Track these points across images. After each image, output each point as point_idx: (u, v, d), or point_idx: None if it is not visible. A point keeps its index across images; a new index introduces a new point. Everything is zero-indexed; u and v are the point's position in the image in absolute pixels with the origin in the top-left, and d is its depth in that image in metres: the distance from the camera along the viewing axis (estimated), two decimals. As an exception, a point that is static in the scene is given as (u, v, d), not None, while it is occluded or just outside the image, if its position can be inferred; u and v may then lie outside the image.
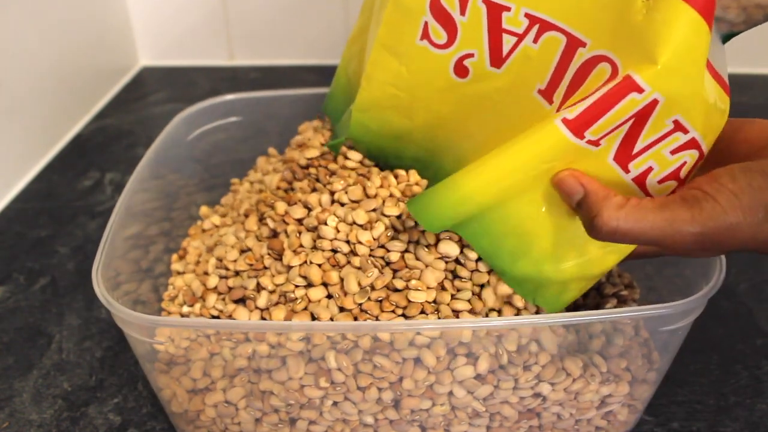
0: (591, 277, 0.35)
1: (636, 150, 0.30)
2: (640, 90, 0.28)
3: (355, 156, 0.42)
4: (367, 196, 0.39)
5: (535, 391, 0.35)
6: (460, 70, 0.36)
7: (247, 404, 0.36)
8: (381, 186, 0.39)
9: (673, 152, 0.30)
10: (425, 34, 0.35)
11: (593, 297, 0.40)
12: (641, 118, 0.29)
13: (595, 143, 0.30)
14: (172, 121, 0.51)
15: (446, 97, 0.37)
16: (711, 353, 0.45)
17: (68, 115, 0.75)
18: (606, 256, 0.33)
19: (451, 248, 0.35)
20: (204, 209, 0.49)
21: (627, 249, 0.34)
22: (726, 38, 0.31)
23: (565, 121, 0.29)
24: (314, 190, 0.41)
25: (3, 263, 0.55)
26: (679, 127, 0.29)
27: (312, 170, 0.42)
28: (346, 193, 0.39)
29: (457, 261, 0.36)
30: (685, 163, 0.31)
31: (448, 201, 0.33)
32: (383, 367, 0.33)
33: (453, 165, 0.38)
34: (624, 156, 0.30)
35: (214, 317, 0.38)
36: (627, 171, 0.31)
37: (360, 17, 0.45)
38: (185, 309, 0.40)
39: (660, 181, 0.31)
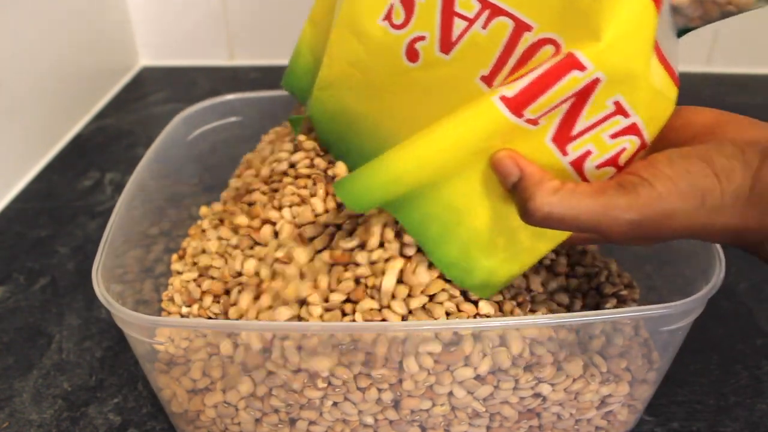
0: (521, 265, 0.34)
1: (575, 132, 0.30)
2: (582, 67, 0.27)
3: (309, 145, 0.42)
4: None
5: (535, 391, 0.35)
6: (412, 53, 0.34)
7: (247, 404, 0.36)
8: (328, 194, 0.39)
9: (612, 136, 0.30)
10: (388, 15, 0.35)
11: (593, 297, 0.40)
12: (582, 96, 0.28)
13: (534, 122, 0.29)
14: (172, 121, 0.51)
15: (397, 83, 0.36)
16: (711, 353, 0.45)
17: (68, 115, 0.75)
18: (537, 245, 0.33)
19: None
20: (203, 209, 0.49)
21: (560, 237, 0.33)
22: (681, 32, 0.31)
23: (503, 99, 0.29)
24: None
25: (3, 263, 0.55)
26: (620, 109, 0.29)
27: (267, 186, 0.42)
28: (294, 215, 0.39)
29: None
30: (624, 149, 0.30)
31: (378, 180, 0.31)
32: (383, 375, 0.33)
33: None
34: (562, 137, 0.30)
35: (211, 317, 0.38)
36: (565, 153, 0.30)
37: None
38: (184, 309, 0.40)
39: (598, 166, 0.30)
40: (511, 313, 0.36)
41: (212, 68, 0.92)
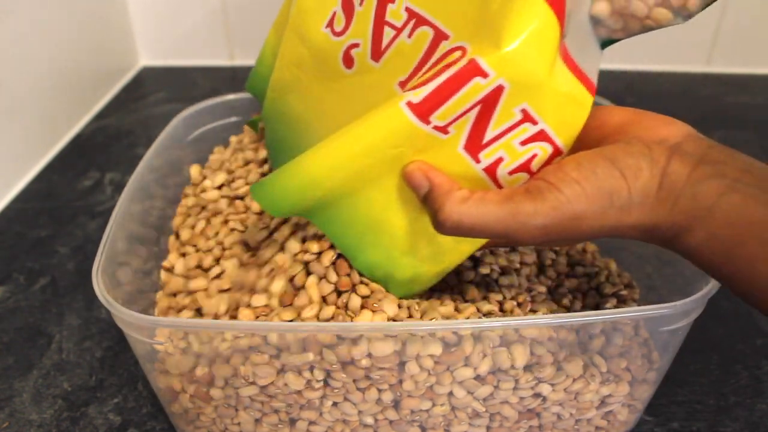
0: (446, 265, 0.35)
1: (486, 139, 0.30)
2: (485, 74, 0.28)
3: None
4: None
5: (535, 391, 0.35)
6: (347, 60, 0.35)
7: (247, 405, 0.36)
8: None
9: (522, 143, 0.30)
10: (330, 23, 0.35)
11: (593, 297, 0.40)
12: (488, 104, 0.29)
13: (443, 130, 0.30)
14: (172, 121, 0.51)
15: (333, 88, 0.36)
16: (711, 353, 0.45)
17: (68, 115, 0.75)
18: (459, 246, 0.34)
19: None
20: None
21: (480, 240, 0.33)
22: (606, 43, 0.31)
23: (410, 104, 0.29)
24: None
25: (3, 263, 0.55)
26: (527, 117, 0.29)
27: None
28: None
29: None
30: (535, 155, 0.30)
31: (293, 184, 0.32)
32: (383, 376, 0.33)
33: None
34: (474, 145, 0.30)
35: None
36: (478, 161, 0.31)
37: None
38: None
39: (510, 173, 0.31)
40: (511, 312, 0.36)
41: (212, 68, 0.92)
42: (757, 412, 0.41)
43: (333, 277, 0.35)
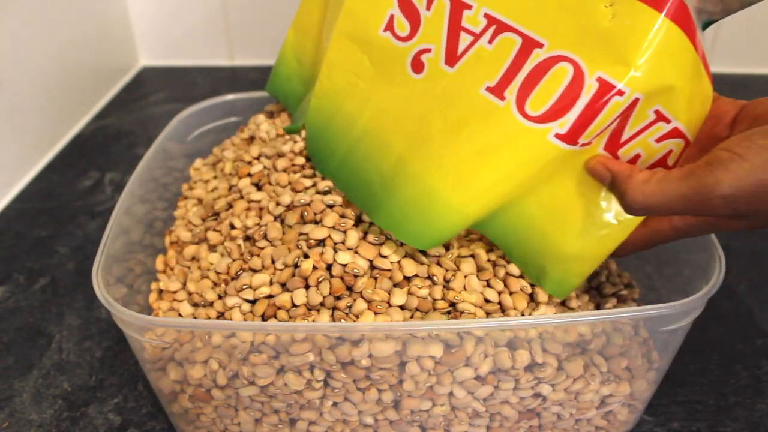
0: (591, 265, 0.35)
1: (623, 139, 0.32)
2: (621, 93, 0.30)
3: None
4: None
5: (536, 391, 0.35)
6: (417, 65, 0.35)
7: (247, 405, 0.36)
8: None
9: (658, 140, 0.32)
10: (389, 26, 0.36)
11: (593, 297, 0.40)
12: (625, 114, 0.31)
13: (588, 144, 0.31)
14: (172, 121, 0.51)
15: (400, 94, 0.36)
16: (711, 353, 0.45)
17: (68, 115, 0.75)
18: (604, 244, 0.34)
19: None
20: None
21: (625, 232, 0.34)
22: (706, 25, 0.32)
23: (558, 136, 0.31)
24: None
25: (3, 263, 0.55)
26: (660, 117, 0.31)
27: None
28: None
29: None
30: (671, 151, 0.32)
31: (445, 224, 0.34)
32: (383, 376, 0.33)
33: (373, 168, 0.38)
34: (613, 145, 0.32)
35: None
36: (617, 158, 0.32)
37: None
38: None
39: (649, 168, 0.32)
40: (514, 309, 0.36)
41: (212, 68, 0.92)
42: (757, 412, 0.41)
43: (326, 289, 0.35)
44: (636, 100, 0.30)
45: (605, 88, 0.30)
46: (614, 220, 0.33)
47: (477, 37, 0.33)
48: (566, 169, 0.33)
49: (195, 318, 0.38)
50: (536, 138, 0.31)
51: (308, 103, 0.42)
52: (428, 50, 0.35)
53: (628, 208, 0.30)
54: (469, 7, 0.33)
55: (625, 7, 0.29)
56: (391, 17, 0.35)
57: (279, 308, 0.35)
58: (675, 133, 0.32)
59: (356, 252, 0.36)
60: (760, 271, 0.52)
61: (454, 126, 0.34)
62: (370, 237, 0.36)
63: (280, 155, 0.44)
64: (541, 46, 0.31)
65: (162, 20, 0.89)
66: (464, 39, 0.34)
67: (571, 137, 0.31)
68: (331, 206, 0.38)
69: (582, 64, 0.30)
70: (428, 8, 0.34)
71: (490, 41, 0.33)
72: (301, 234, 0.37)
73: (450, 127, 0.34)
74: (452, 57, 0.34)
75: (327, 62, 0.39)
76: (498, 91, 0.33)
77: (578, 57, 0.30)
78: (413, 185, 0.35)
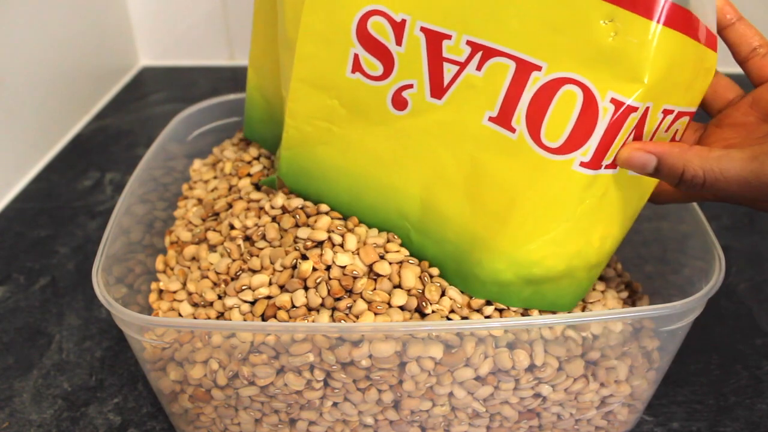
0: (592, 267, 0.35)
1: None
2: (635, 109, 0.29)
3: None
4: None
5: (536, 391, 0.35)
6: (399, 102, 0.34)
7: (247, 405, 0.36)
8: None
9: (666, 129, 0.32)
10: (357, 67, 0.34)
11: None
12: (640, 124, 0.31)
13: (612, 166, 0.32)
14: (172, 121, 0.51)
15: (383, 133, 0.35)
16: (711, 353, 0.45)
17: (68, 115, 0.75)
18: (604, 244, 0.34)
19: None
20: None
21: (622, 233, 0.34)
22: None
23: (583, 164, 0.31)
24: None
25: (3, 263, 0.55)
26: (668, 112, 0.31)
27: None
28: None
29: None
30: (677, 130, 0.33)
31: (507, 277, 0.34)
32: (383, 377, 0.33)
33: (385, 210, 0.37)
34: None
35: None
36: None
37: (255, 20, 0.43)
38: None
39: None
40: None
41: (212, 68, 0.92)
42: (757, 412, 0.41)
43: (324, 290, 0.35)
44: (647, 110, 0.30)
45: (620, 108, 0.29)
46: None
47: (463, 66, 0.32)
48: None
49: (195, 318, 0.37)
50: (562, 170, 0.31)
51: (279, 154, 0.40)
52: (410, 86, 0.33)
53: (689, 183, 0.29)
54: (448, 37, 0.32)
55: (623, 23, 0.29)
56: (356, 57, 0.34)
57: (279, 308, 0.35)
58: (679, 116, 0.32)
59: (356, 254, 0.36)
60: (760, 271, 0.52)
61: (470, 164, 0.33)
62: (370, 240, 0.36)
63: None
64: (539, 68, 0.30)
65: (162, 20, 0.89)
66: (449, 69, 0.32)
67: (595, 163, 0.31)
68: (326, 212, 0.39)
69: (590, 85, 0.30)
70: (399, 44, 0.33)
71: (479, 68, 0.32)
72: (297, 237, 0.37)
73: (466, 167, 0.33)
74: (438, 89, 0.33)
75: (289, 113, 0.37)
76: (503, 121, 0.32)
77: (584, 78, 0.30)
78: (452, 231, 0.35)
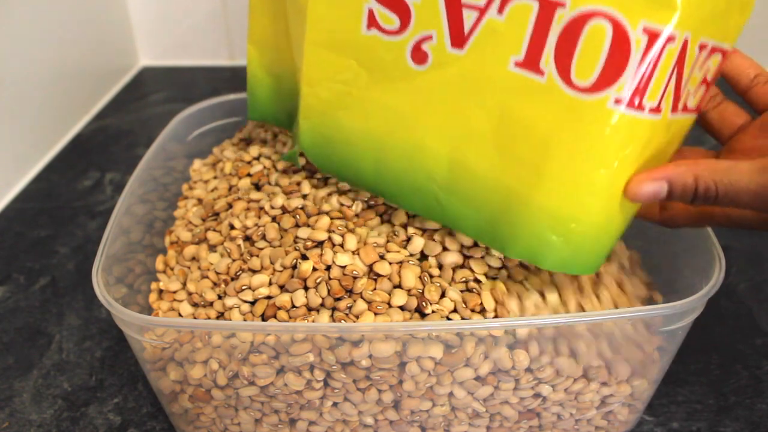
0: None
1: (682, 90, 0.30)
2: (673, 39, 0.28)
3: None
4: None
5: (536, 391, 0.35)
6: (419, 56, 0.32)
7: (247, 405, 0.36)
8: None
9: (700, 68, 0.30)
10: (372, 22, 0.33)
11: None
12: (680, 61, 0.29)
13: (657, 110, 0.29)
14: (172, 121, 0.51)
15: (404, 90, 0.33)
16: (711, 353, 0.45)
17: (68, 115, 0.75)
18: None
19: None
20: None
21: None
22: None
23: (619, 102, 0.28)
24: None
25: (3, 263, 0.55)
26: (703, 47, 0.29)
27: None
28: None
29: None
30: (709, 68, 0.31)
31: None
32: (383, 377, 0.33)
33: (412, 172, 0.35)
34: (675, 103, 0.30)
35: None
36: (675, 110, 0.30)
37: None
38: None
39: (693, 94, 0.31)
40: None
41: (212, 68, 0.92)
42: (757, 412, 0.41)
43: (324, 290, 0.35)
44: (686, 42, 0.28)
45: (655, 38, 0.27)
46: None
47: (483, 10, 0.30)
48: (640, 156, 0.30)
49: (195, 318, 0.38)
50: (596, 110, 0.29)
51: (298, 126, 0.39)
52: (429, 37, 0.32)
53: (704, 197, 0.29)
54: None
55: None
56: (370, 12, 0.32)
57: (279, 308, 0.35)
58: (713, 51, 0.30)
59: (356, 254, 0.36)
60: (760, 271, 0.52)
61: (498, 115, 0.31)
62: (371, 240, 0.36)
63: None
64: (562, 5, 0.29)
65: (162, 20, 0.89)
66: (468, 16, 0.31)
67: (632, 102, 0.28)
68: (327, 212, 0.39)
69: (619, 17, 0.28)
70: None
71: (500, 11, 0.30)
72: (297, 237, 0.37)
73: (494, 118, 0.31)
74: (459, 38, 0.31)
75: (306, 79, 0.36)
76: (531, 64, 0.30)
77: (612, 9, 0.28)
78: (483, 188, 0.32)
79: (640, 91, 0.28)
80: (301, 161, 0.41)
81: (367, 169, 0.37)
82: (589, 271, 0.32)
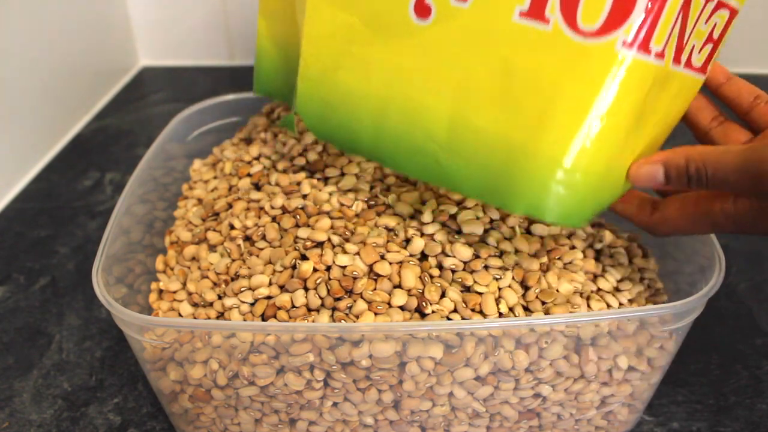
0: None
1: (685, 41, 0.30)
2: None
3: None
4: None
5: (536, 391, 0.35)
6: (422, 9, 0.32)
7: (247, 405, 0.36)
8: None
9: (706, 21, 0.30)
10: None
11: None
12: (685, 9, 0.28)
13: (661, 55, 0.29)
14: (171, 121, 0.51)
15: (407, 46, 0.33)
16: (711, 353, 0.45)
17: (68, 115, 0.75)
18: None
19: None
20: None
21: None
22: None
23: (627, 44, 0.28)
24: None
25: (3, 263, 0.55)
26: None
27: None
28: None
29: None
30: (715, 24, 0.31)
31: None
32: (383, 377, 0.33)
33: (412, 133, 0.34)
34: (679, 51, 0.30)
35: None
36: (678, 62, 0.30)
37: None
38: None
39: (699, 51, 0.31)
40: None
41: (212, 68, 0.92)
42: (757, 412, 0.41)
43: (323, 291, 0.35)
44: None
45: None
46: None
47: None
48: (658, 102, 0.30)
49: (195, 318, 0.38)
50: (604, 53, 0.28)
51: (296, 90, 0.38)
52: None
53: (695, 178, 0.29)
54: None
55: None
56: None
57: (279, 308, 0.35)
58: (719, 5, 0.30)
59: (356, 254, 0.36)
60: (760, 271, 0.52)
61: (502, 69, 0.30)
62: (371, 240, 0.36)
63: (282, 156, 0.44)
64: None
65: (162, 20, 0.89)
66: None
67: (640, 44, 0.28)
68: (327, 212, 0.39)
69: None
70: None
71: None
72: (297, 237, 0.37)
73: (497, 72, 0.30)
74: None
75: (307, 37, 0.35)
76: (536, 12, 0.29)
77: None
78: (486, 144, 0.31)
79: (648, 32, 0.28)
80: (299, 127, 0.40)
81: (365, 133, 0.36)
82: (583, 223, 0.32)
